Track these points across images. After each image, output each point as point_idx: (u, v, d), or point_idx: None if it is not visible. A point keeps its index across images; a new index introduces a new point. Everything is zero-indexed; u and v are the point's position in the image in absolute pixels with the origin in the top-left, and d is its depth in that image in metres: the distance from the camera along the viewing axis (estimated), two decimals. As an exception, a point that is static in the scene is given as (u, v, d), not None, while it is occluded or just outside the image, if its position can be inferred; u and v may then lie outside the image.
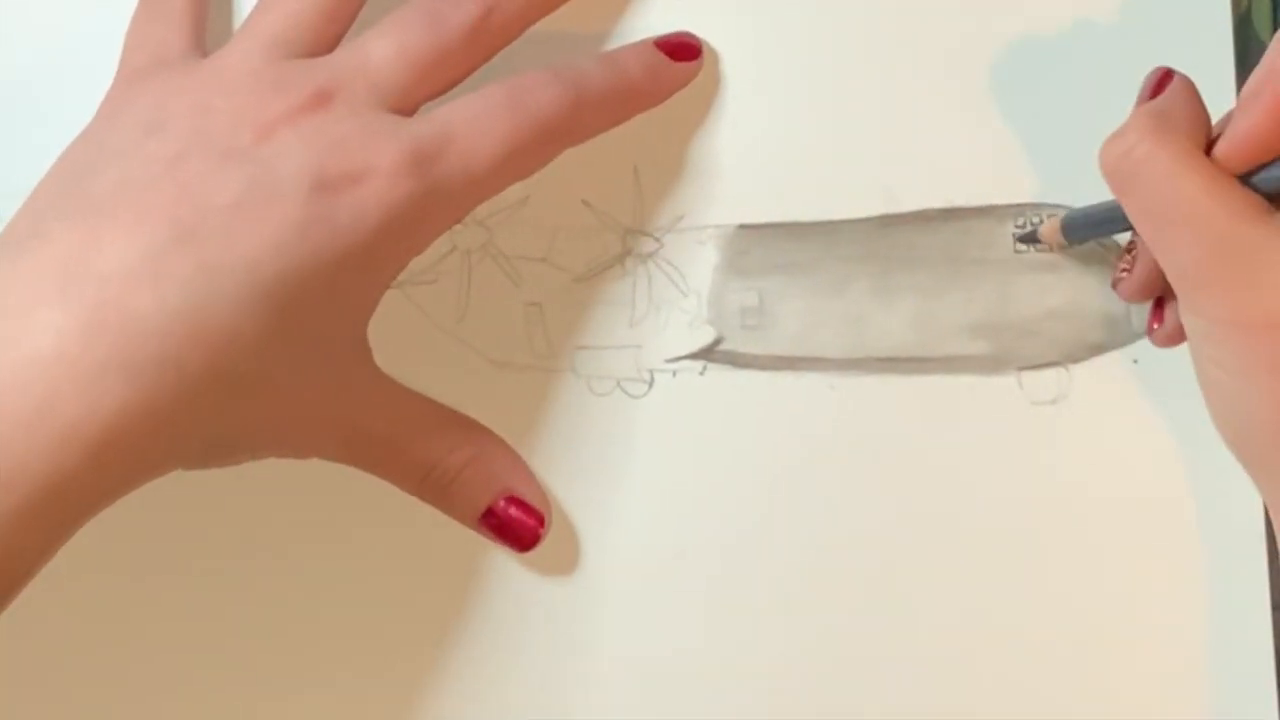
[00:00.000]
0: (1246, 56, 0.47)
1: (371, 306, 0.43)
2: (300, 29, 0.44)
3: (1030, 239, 0.47)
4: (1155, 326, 0.45)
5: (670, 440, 0.47)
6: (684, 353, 0.48)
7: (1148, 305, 0.46)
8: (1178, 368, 0.45)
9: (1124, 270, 0.45)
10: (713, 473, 0.47)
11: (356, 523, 0.47)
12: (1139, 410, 0.47)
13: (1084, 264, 0.47)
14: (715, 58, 0.48)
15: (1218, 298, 0.40)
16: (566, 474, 0.47)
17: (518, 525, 0.46)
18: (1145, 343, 0.46)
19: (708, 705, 0.47)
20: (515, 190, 0.45)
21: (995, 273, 0.47)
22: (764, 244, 0.47)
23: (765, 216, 0.47)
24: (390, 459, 0.45)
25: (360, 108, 0.42)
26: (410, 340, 0.47)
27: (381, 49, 0.43)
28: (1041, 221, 0.47)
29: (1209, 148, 0.40)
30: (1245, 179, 0.39)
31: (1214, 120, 0.41)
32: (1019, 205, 0.47)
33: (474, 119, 0.43)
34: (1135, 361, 0.47)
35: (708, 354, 0.47)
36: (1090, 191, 0.46)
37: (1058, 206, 0.47)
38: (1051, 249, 0.47)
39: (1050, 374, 0.47)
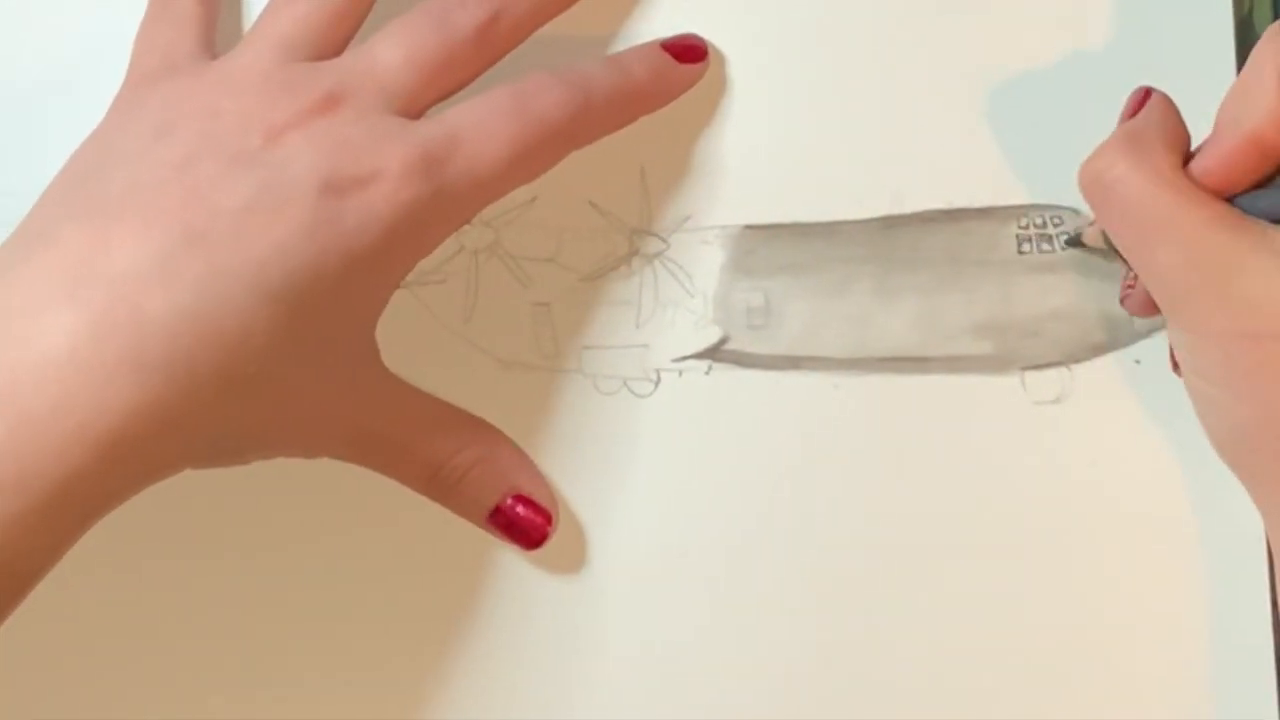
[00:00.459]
0: (1248, 56, 0.47)
1: (380, 307, 0.44)
2: (309, 32, 0.44)
3: (1075, 242, 0.47)
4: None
5: (676, 439, 0.48)
6: (690, 352, 0.48)
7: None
8: (1179, 368, 0.45)
9: (1128, 285, 0.45)
10: (718, 471, 0.47)
11: (364, 522, 0.47)
12: (1141, 410, 0.47)
13: (1086, 265, 0.47)
14: (721, 60, 0.48)
15: (1197, 310, 0.40)
16: (573, 472, 0.47)
17: (525, 524, 0.46)
18: (1147, 343, 0.47)
19: (713, 703, 0.47)
20: (523, 191, 0.45)
21: (998, 273, 0.47)
22: (769, 244, 0.47)
23: (770, 217, 0.48)
24: (398, 458, 0.45)
25: (368, 111, 0.42)
26: (418, 340, 0.47)
27: (389, 52, 0.43)
28: (1045, 222, 0.47)
29: (1188, 161, 0.41)
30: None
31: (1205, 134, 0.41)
32: (1021, 207, 0.47)
33: (481, 122, 0.43)
34: (1137, 362, 0.47)
35: (713, 353, 0.48)
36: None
37: (1060, 208, 0.47)
38: (1103, 250, 0.46)
39: (1053, 374, 0.47)
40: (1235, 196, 0.40)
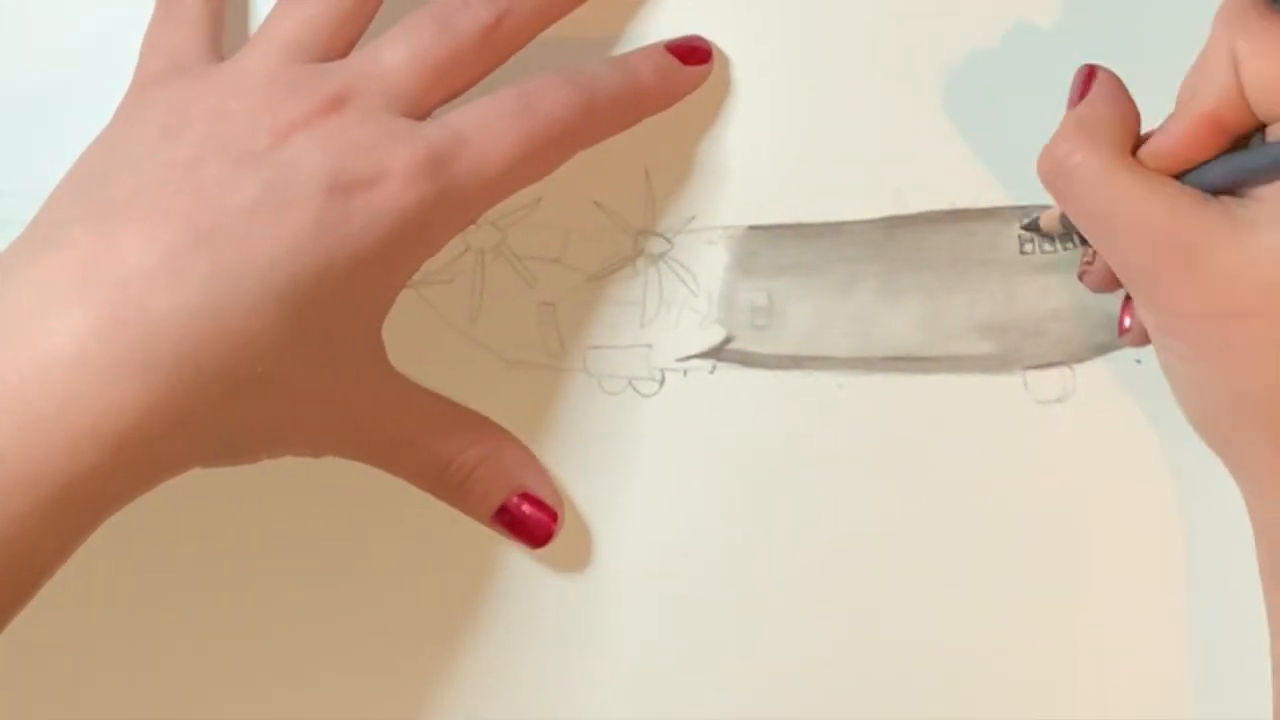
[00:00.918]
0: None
1: (386, 307, 0.44)
2: (315, 34, 0.44)
3: (1033, 228, 0.47)
4: (1126, 324, 0.45)
5: (681, 438, 0.48)
6: (694, 352, 0.48)
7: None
8: (1181, 367, 0.45)
9: (1086, 263, 0.46)
10: (722, 469, 0.48)
11: (371, 520, 0.47)
12: (1142, 409, 0.47)
13: (1088, 265, 0.47)
14: (725, 61, 0.48)
15: (1165, 291, 0.40)
16: (578, 471, 0.48)
17: (531, 522, 0.46)
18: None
19: (718, 700, 0.47)
20: (528, 192, 0.45)
21: (1001, 274, 0.47)
22: (773, 245, 0.48)
23: (774, 218, 0.48)
24: (405, 457, 0.45)
25: (374, 112, 0.42)
26: (424, 340, 0.47)
27: (395, 54, 0.43)
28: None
29: (1143, 142, 0.41)
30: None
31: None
32: (1024, 207, 0.47)
33: (486, 123, 0.43)
34: (1138, 361, 0.47)
35: (718, 353, 0.48)
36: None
37: (1063, 208, 0.47)
38: (1053, 237, 0.47)
39: (1055, 373, 0.47)
40: (1184, 173, 0.40)
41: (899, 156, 0.48)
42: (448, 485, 0.45)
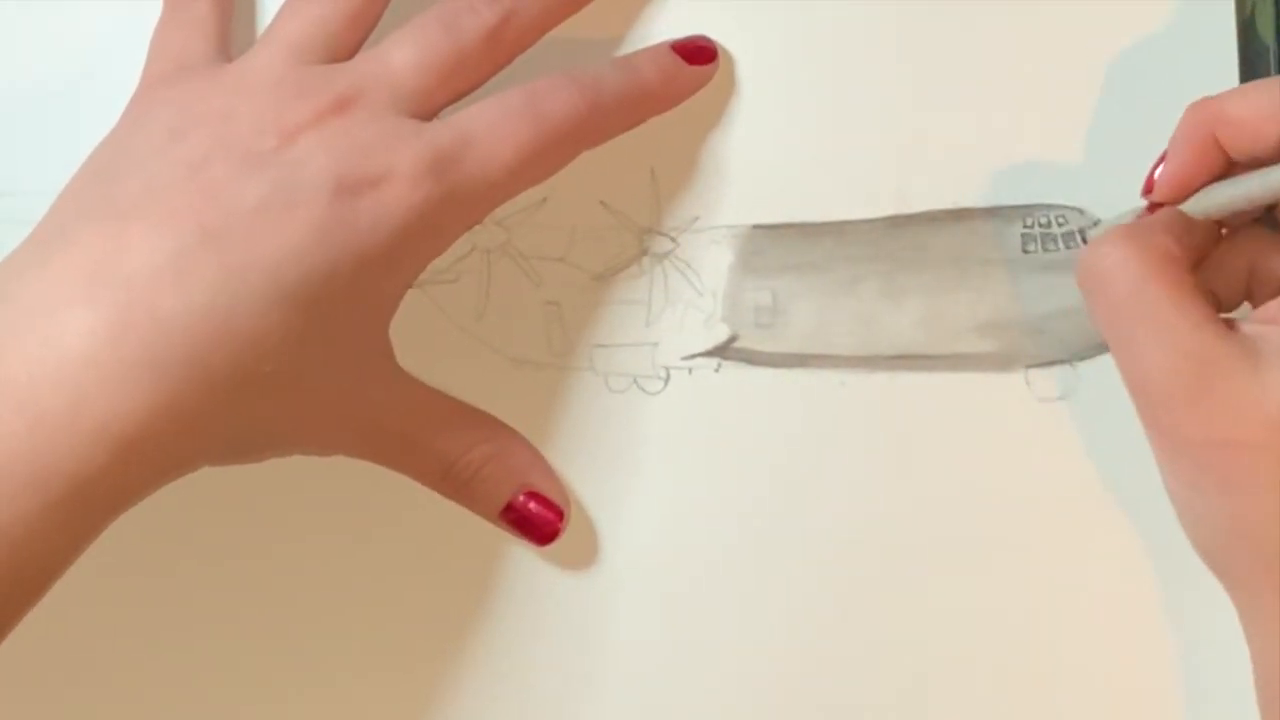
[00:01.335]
0: (1250, 60, 0.47)
1: (393, 307, 0.44)
2: (322, 35, 0.44)
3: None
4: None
5: (686, 436, 0.48)
6: (699, 350, 0.48)
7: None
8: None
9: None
10: (727, 467, 0.48)
11: (378, 518, 0.47)
12: (1143, 408, 0.47)
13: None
14: (730, 61, 0.48)
15: (1173, 415, 0.40)
16: (584, 469, 0.48)
17: (537, 520, 0.46)
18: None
19: (723, 698, 0.48)
20: (534, 191, 0.45)
21: (1003, 272, 0.47)
22: (777, 244, 0.48)
23: (778, 217, 0.48)
24: (411, 455, 0.45)
25: (381, 113, 0.43)
26: (431, 338, 0.47)
27: (401, 55, 0.43)
28: (1049, 222, 0.47)
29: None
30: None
31: None
32: (1026, 206, 0.47)
33: (492, 124, 0.43)
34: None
35: (722, 351, 0.48)
36: (1097, 192, 0.46)
37: (1065, 208, 0.47)
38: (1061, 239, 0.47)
39: (1057, 371, 0.47)
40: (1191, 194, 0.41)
41: (902, 156, 0.48)
42: (454, 483, 0.45)
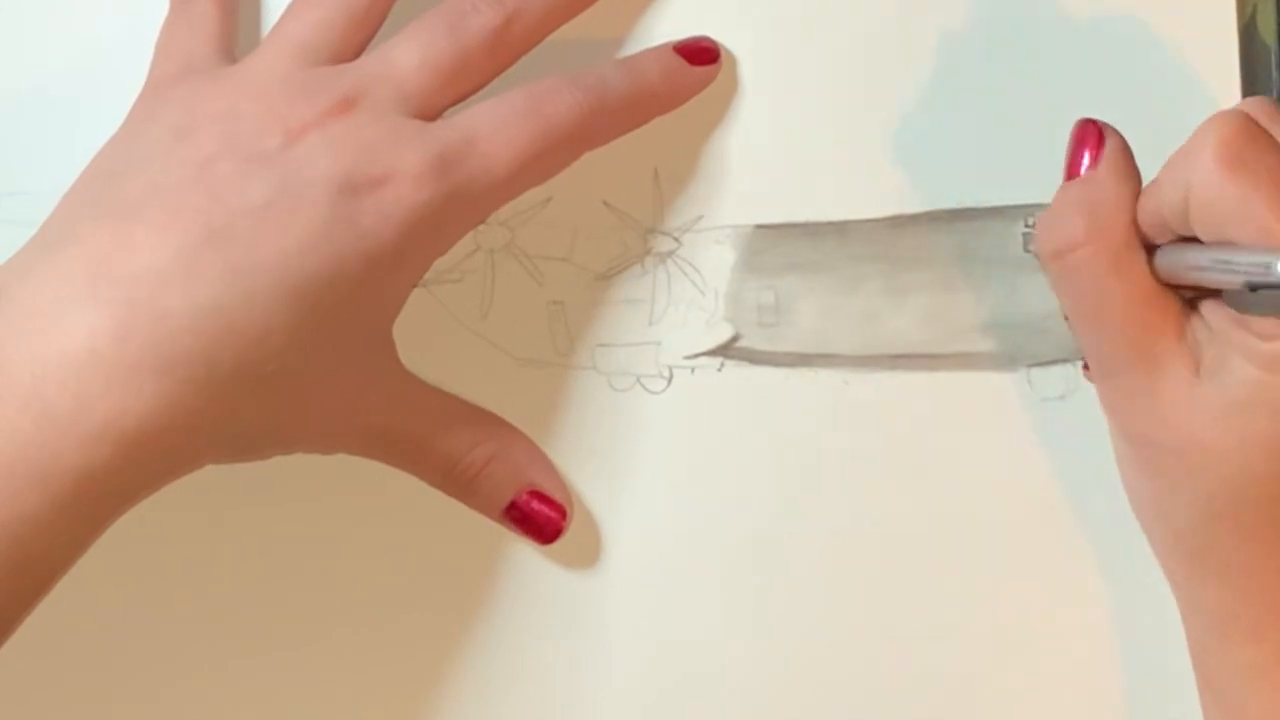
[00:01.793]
0: (1251, 60, 0.47)
1: (397, 306, 0.44)
2: (327, 36, 0.44)
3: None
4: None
5: (688, 435, 0.48)
6: (702, 350, 0.48)
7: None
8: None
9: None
10: (730, 466, 0.48)
11: (381, 517, 0.48)
12: (1145, 406, 0.47)
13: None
14: (733, 62, 0.48)
15: (1115, 400, 0.42)
16: (587, 468, 0.48)
17: (540, 518, 0.46)
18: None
19: (726, 697, 0.48)
20: (538, 191, 0.45)
21: (1005, 272, 0.47)
22: (780, 244, 0.48)
23: (781, 217, 0.48)
24: (415, 454, 0.45)
25: (385, 113, 0.43)
26: (435, 338, 0.48)
27: (405, 56, 0.43)
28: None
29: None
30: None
31: None
32: (1028, 206, 0.47)
33: (496, 124, 0.43)
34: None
35: (725, 351, 0.48)
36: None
37: (1066, 207, 0.47)
38: None
39: (1059, 370, 0.47)
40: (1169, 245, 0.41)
41: (904, 156, 0.48)
42: (458, 482, 0.46)
